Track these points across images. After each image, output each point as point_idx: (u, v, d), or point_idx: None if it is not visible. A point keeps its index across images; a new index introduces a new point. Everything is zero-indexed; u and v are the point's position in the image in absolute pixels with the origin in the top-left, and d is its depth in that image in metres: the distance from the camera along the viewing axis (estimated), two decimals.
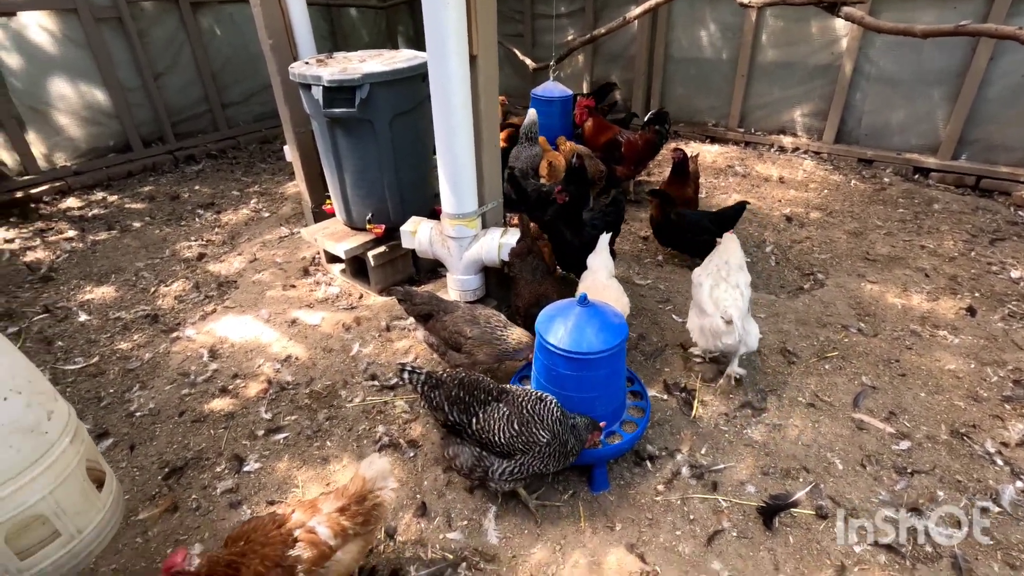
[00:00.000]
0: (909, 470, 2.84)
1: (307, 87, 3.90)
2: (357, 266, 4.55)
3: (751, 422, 3.18)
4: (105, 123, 7.10)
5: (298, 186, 5.36)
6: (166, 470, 2.97)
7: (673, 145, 5.90)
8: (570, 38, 8.29)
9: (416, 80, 3.94)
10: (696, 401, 3.31)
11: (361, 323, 4.10)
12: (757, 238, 5.23)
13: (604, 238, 3.75)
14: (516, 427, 2.46)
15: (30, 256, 5.26)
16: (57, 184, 6.63)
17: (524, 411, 2.49)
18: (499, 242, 3.61)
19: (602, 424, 2.57)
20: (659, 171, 6.56)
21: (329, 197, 4.70)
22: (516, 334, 3.11)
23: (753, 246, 5.10)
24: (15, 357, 1.60)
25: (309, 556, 2.05)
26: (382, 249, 4.30)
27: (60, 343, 4.07)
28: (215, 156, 7.77)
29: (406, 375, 2.63)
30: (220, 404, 3.42)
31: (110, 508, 1.85)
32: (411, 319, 4.06)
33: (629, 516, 2.68)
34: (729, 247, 3.54)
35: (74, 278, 4.92)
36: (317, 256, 4.98)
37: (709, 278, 3.34)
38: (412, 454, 3.03)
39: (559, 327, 2.63)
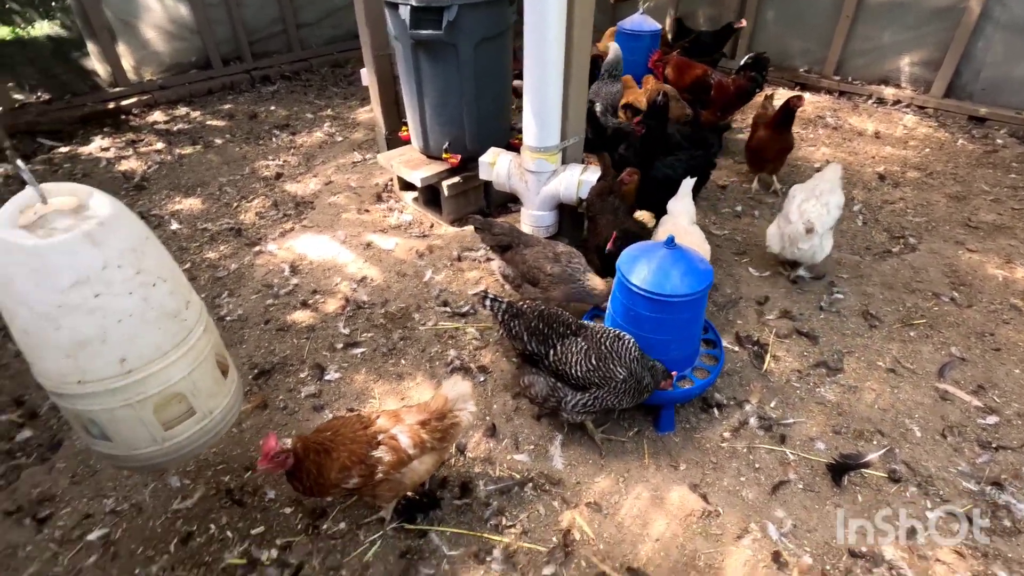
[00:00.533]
0: (994, 445, 2.73)
1: (394, 6, 3.81)
2: (430, 195, 4.59)
3: (825, 381, 3.11)
4: (188, 39, 7.22)
5: (372, 112, 5.36)
6: (255, 371, 3.20)
7: (797, 93, 5.02)
8: None
9: (503, 4, 3.79)
10: (768, 355, 3.25)
11: (433, 251, 4.17)
12: (844, 195, 4.90)
13: (688, 183, 3.62)
14: (593, 362, 2.49)
15: (124, 165, 5.55)
16: (144, 97, 6.89)
17: (602, 347, 2.51)
18: (579, 179, 3.54)
19: (673, 373, 2.57)
20: (742, 120, 6.19)
21: (406, 124, 4.69)
22: (595, 280, 3.09)
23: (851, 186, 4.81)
24: (160, 249, 1.72)
25: (389, 460, 2.19)
26: (456, 179, 4.30)
27: None
28: (288, 77, 7.83)
29: (487, 302, 2.68)
30: (301, 316, 3.61)
31: (233, 394, 2.02)
32: (482, 251, 4.12)
33: (693, 458, 2.72)
34: (831, 172, 3.80)
35: (164, 188, 5.18)
36: (390, 183, 5.03)
37: (803, 192, 3.63)
38: (482, 379, 3.13)
39: (643, 267, 2.60)
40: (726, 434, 2.83)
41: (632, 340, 2.55)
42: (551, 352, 2.56)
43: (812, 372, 3.17)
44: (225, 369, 2.05)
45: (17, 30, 6.98)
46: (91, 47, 6.65)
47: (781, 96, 6.37)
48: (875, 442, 2.77)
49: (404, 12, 3.72)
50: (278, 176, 5.37)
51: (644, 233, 3.30)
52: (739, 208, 4.71)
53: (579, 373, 2.50)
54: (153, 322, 1.64)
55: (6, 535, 2.41)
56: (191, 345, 1.77)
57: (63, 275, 1.46)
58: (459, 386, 2.34)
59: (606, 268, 3.14)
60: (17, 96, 6.53)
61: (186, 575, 2.28)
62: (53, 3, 6.64)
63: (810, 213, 3.44)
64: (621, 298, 2.72)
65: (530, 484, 2.61)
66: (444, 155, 4.31)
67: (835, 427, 2.85)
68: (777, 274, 3.93)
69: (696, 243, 3.19)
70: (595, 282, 3.08)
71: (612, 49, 5.17)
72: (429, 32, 3.70)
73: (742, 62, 5.37)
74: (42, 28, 7.11)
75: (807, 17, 6.86)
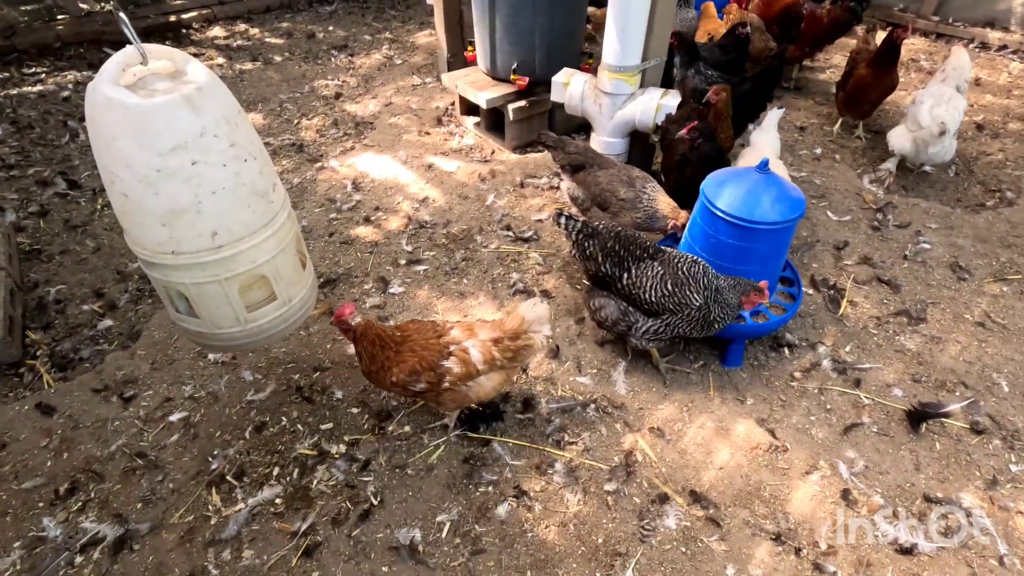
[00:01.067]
0: None
1: None
2: (493, 120, 4.45)
3: (906, 330, 2.95)
4: None
5: (431, 36, 5.19)
6: (321, 280, 3.23)
7: (906, 28, 4.08)
8: None
9: None
10: (845, 300, 3.10)
11: (496, 176, 4.07)
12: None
13: (775, 114, 3.39)
14: (669, 287, 2.40)
15: None
16: (204, 12, 6.81)
17: (679, 272, 2.41)
18: (658, 102, 3.35)
19: (763, 284, 2.35)
20: (824, 60, 5.73)
21: (472, 43, 4.50)
22: (667, 207, 2.96)
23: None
24: (250, 126, 1.69)
25: (458, 372, 2.18)
26: (522, 103, 4.15)
27: None
28: None
29: (562, 220, 2.60)
30: (364, 231, 3.61)
31: (310, 286, 2.03)
32: (545, 178, 4.01)
33: (760, 394, 2.65)
34: (960, 58, 3.95)
35: None
36: (451, 107, 4.90)
37: (931, 99, 3.67)
38: (545, 303, 3.08)
39: (731, 191, 2.45)
40: (796, 374, 2.73)
41: (709, 267, 2.44)
42: (625, 275, 2.48)
43: (892, 320, 3.01)
44: (303, 261, 2.04)
45: None
46: None
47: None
48: (958, 393, 2.64)
49: None
50: (337, 96, 5.29)
51: (721, 158, 3.11)
52: (818, 151, 4.41)
53: (653, 298, 2.42)
54: (244, 198, 1.62)
55: (95, 409, 2.55)
56: (276, 229, 1.76)
57: (164, 138, 1.44)
58: (537, 308, 2.28)
59: (680, 199, 3.00)
60: (83, 4, 6.55)
61: (260, 460, 2.38)
62: None
63: (944, 116, 3.53)
64: (702, 224, 2.59)
65: (592, 406, 2.59)
66: (512, 76, 4.14)
67: (914, 375, 2.72)
68: (858, 219, 3.70)
69: (781, 175, 3.00)
70: (666, 207, 2.94)
71: None
72: None
73: None
74: None
75: None
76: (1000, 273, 3.29)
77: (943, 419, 2.51)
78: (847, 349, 2.86)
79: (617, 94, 3.41)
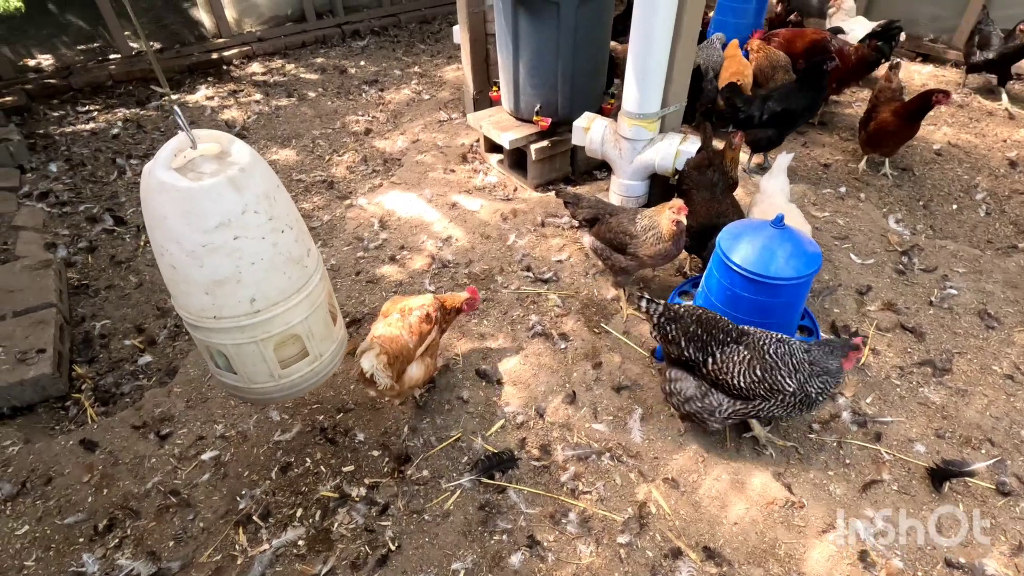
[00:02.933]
0: None
1: None
2: (516, 158, 4.56)
3: (930, 381, 2.91)
4: None
5: (459, 71, 5.34)
6: (347, 319, 3.35)
7: (948, 94, 3.87)
8: None
9: None
10: (867, 348, 3.07)
11: (517, 215, 4.17)
12: (966, 182, 4.49)
13: (784, 159, 3.40)
14: (758, 373, 2.30)
15: (226, 115, 5.84)
16: (244, 48, 7.16)
17: (766, 356, 2.30)
18: (677, 148, 3.40)
19: (858, 340, 2.32)
20: (853, 95, 5.71)
21: (497, 84, 4.64)
22: (667, 229, 2.90)
23: (960, 190, 4.40)
24: (287, 197, 1.82)
25: None
26: (544, 144, 4.25)
27: None
28: (377, 33, 7.91)
29: (644, 303, 2.53)
30: (390, 271, 3.73)
31: (339, 340, 2.14)
32: (565, 218, 4.08)
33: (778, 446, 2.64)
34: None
35: (262, 139, 5.42)
36: (476, 144, 5.04)
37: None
38: (563, 346, 3.15)
39: (745, 246, 2.49)
40: (815, 425, 2.72)
41: (795, 342, 2.34)
42: (710, 360, 2.39)
43: (916, 370, 2.97)
44: (334, 315, 2.16)
45: None
46: None
47: (913, 75, 5.82)
48: (983, 451, 2.59)
49: None
50: (367, 132, 5.49)
51: (733, 213, 3.12)
52: (843, 189, 4.39)
53: (742, 383, 2.33)
54: (280, 266, 1.74)
55: (134, 446, 2.69)
56: (310, 291, 1.87)
57: (210, 217, 1.57)
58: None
59: (697, 245, 3.04)
60: (132, 44, 6.96)
61: (285, 500, 2.48)
62: None
63: None
64: (719, 276, 2.62)
65: (608, 454, 2.63)
66: (535, 118, 4.25)
67: (938, 430, 2.68)
68: (882, 262, 3.67)
69: (796, 223, 3.01)
70: (665, 231, 2.91)
71: (716, 36, 4.89)
72: None
73: (870, 30, 4.91)
74: None
75: None
76: None
77: (967, 478, 2.47)
78: (868, 400, 2.83)
79: (637, 139, 3.48)
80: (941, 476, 2.45)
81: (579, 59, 3.99)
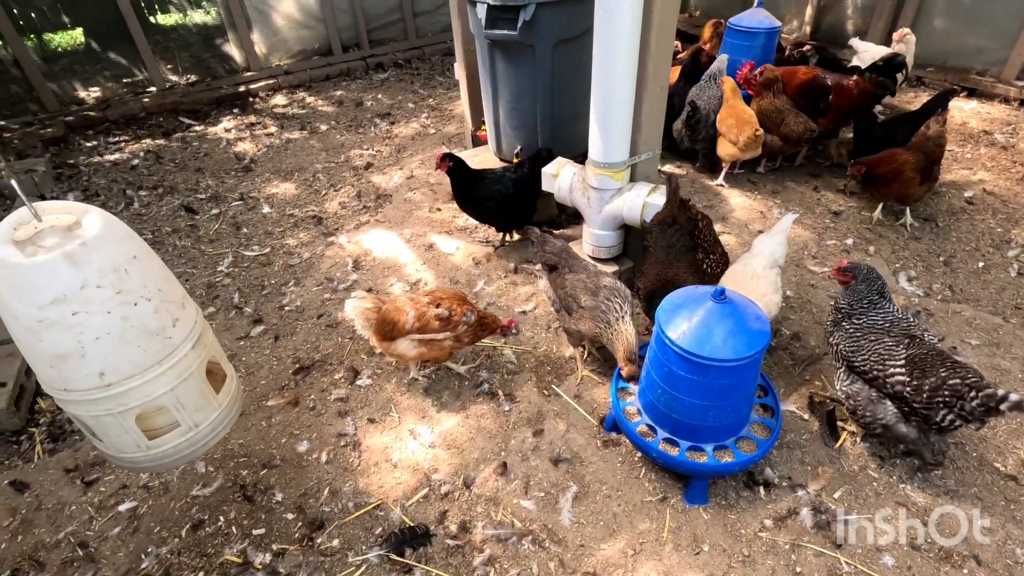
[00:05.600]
0: None
1: (473, 3, 3.67)
2: None
3: (914, 477, 2.54)
4: (313, 27, 7.67)
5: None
6: (297, 366, 3.30)
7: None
8: None
9: (585, 3, 3.47)
10: (846, 431, 2.73)
11: (491, 260, 4.04)
12: (999, 235, 4.01)
13: (787, 220, 3.12)
14: None
15: (239, 147, 6.04)
16: (271, 82, 7.45)
17: None
18: (644, 200, 3.19)
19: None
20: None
21: (484, 123, 4.57)
22: (627, 334, 2.70)
23: (990, 245, 3.93)
24: (151, 265, 1.77)
25: None
26: None
27: (245, 230, 4.67)
28: (400, 65, 8.06)
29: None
30: None
31: (226, 407, 2.06)
32: (539, 264, 3.91)
33: (721, 543, 2.35)
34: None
35: (267, 171, 5.56)
36: None
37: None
38: (507, 408, 2.96)
39: (683, 320, 2.25)
40: (767, 521, 2.41)
41: None
42: None
43: (899, 461, 2.60)
44: (224, 376, 2.08)
45: (180, 17, 7.88)
46: (230, 34, 7.30)
47: (953, 112, 5.35)
48: (966, 570, 2.20)
49: (480, 11, 3.57)
50: (368, 166, 5.53)
51: (687, 277, 2.84)
52: (850, 241, 4.01)
53: None
54: (133, 340, 1.68)
55: (60, 491, 2.71)
56: (175, 362, 1.80)
57: (43, 292, 1.53)
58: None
59: (650, 307, 2.80)
60: (172, 77, 7.38)
61: (188, 562, 2.41)
62: None
63: None
64: (657, 350, 2.39)
65: (530, 537, 2.41)
66: (515, 159, 4.13)
67: (913, 540, 2.31)
68: None
69: (760, 292, 2.72)
70: (626, 335, 2.70)
71: (719, 60, 4.62)
72: (503, 32, 3.53)
73: (872, 62, 4.54)
74: (197, 16, 7.97)
75: (991, 9, 5.64)
76: None
77: None
78: (837, 495, 2.49)
79: (604, 189, 3.29)
80: None
81: (558, 103, 3.85)
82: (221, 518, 2.56)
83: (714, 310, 2.22)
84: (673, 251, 2.86)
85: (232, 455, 2.83)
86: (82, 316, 1.58)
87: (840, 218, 4.27)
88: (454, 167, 3.81)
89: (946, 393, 2.20)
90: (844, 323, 2.58)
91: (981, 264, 3.79)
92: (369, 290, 3.86)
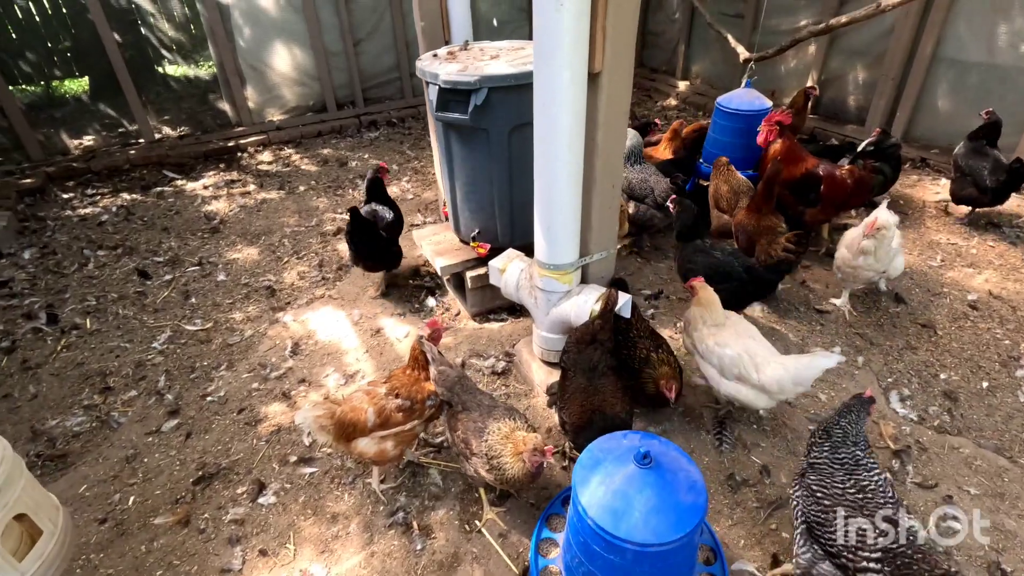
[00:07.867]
0: None
1: (427, 83, 3.48)
2: (458, 281, 4.15)
3: None
4: (308, 84, 7.67)
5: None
6: (200, 473, 2.96)
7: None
8: (802, 23, 6.65)
9: None
10: None
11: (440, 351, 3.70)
12: (1006, 349, 3.57)
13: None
14: None
15: (213, 205, 5.90)
16: (261, 137, 7.40)
17: None
18: (593, 307, 2.85)
19: None
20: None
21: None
22: (514, 471, 2.27)
23: (997, 361, 3.49)
24: None
25: None
26: (482, 271, 3.82)
27: (194, 299, 4.42)
28: (394, 124, 8.00)
29: None
30: (275, 411, 3.34)
31: (38, 571, 1.72)
32: (492, 359, 3.58)
33: None
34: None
35: (234, 234, 5.37)
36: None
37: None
38: (420, 547, 2.56)
39: (599, 484, 1.88)
40: None
41: None
42: None
43: None
44: (33, 537, 1.75)
45: (176, 69, 7.98)
46: (223, 89, 7.31)
47: (943, 186, 5.01)
48: None
49: (432, 92, 3.37)
50: (337, 232, 5.31)
51: (615, 403, 2.47)
52: (836, 349, 3.60)
53: None
54: None
55: None
56: None
57: None
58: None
59: (577, 439, 2.42)
60: (166, 130, 7.38)
61: None
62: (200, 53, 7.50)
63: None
64: (573, 512, 2.00)
65: None
66: (472, 243, 3.86)
67: None
68: None
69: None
70: (513, 471, 2.26)
71: (629, 136, 4.23)
72: (454, 116, 3.30)
73: (861, 147, 4.24)
74: (192, 71, 8.06)
75: (999, 91, 5.35)
76: None
77: None
78: None
79: (551, 291, 2.97)
80: None
81: (517, 187, 3.59)
82: None
83: (635, 477, 1.84)
84: (595, 375, 2.47)
85: None
86: None
87: (828, 318, 3.87)
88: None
89: None
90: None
91: (985, 384, 3.35)
92: (302, 381, 3.55)
